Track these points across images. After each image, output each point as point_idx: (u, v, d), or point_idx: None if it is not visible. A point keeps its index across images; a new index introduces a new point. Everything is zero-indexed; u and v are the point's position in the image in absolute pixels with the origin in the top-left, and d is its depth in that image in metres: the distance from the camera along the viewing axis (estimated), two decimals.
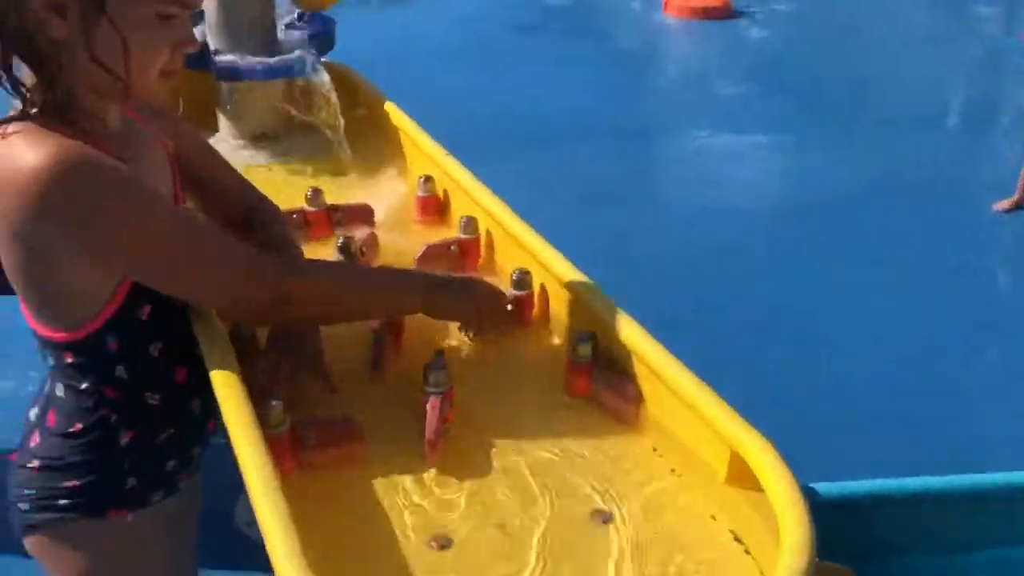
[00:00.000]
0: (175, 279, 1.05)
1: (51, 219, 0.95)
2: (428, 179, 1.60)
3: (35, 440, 1.15)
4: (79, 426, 1.12)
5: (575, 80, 5.75)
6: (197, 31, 1.84)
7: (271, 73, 1.76)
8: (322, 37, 1.91)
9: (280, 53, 1.83)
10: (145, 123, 1.16)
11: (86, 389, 1.10)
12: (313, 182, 1.77)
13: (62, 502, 1.13)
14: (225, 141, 1.90)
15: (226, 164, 1.33)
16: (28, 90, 0.98)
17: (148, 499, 1.18)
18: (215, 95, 1.88)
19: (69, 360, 1.08)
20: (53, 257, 0.99)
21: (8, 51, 0.96)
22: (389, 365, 1.19)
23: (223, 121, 1.91)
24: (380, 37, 6.50)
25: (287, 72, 1.76)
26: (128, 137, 1.10)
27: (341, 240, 1.37)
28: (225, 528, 2.09)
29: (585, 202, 4.08)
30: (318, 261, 1.32)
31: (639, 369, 1.10)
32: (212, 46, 1.84)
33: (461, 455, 1.06)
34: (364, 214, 1.57)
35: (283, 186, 1.78)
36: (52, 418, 1.13)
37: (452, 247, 1.44)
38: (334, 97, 1.77)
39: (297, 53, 1.79)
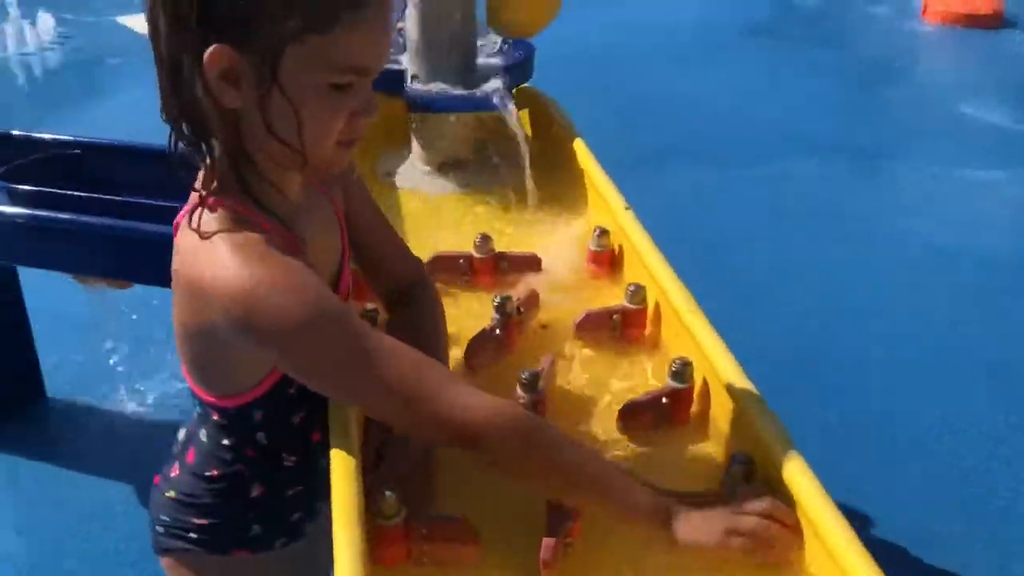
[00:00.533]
0: (365, 402, 1.00)
1: (251, 333, 0.93)
2: (603, 233, 1.51)
3: (175, 471, 1.20)
4: (215, 472, 1.15)
5: (806, 90, 5.41)
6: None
7: (463, 106, 1.73)
8: (521, 66, 1.86)
9: (476, 80, 1.80)
10: (318, 183, 1.13)
11: (227, 445, 1.13)
12: (491, 216, 1.74)
13: (191, 535, 1.18)
14: (413, 166, 1.90)
15: (392, 232, 1.29)
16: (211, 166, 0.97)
17: (271, 544, 1.20)
18: (409, 119, 1.87)
19: (215, 418, 1.11)
20: (225, 351, 1.00)
21: (194, 127, 0.94)
22: None
23: (414, 145, 1.90)
24: (606, 29, 6.43)
25: (479, 106, 1.72)
26: (308, 211, 1.08)
27: (498, 299, 1.31)
28: None
29: (793, 226, 3.81)
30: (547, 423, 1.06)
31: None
32: (410, 70, 1.83)
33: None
34: (531, 264, 1.51)
35: (462, 217, 1.76)
36: (192, 456, 1.17)
37: (615, 316, 1.34)
38: (521, 133, 1.71)
39: (492, 84, 1.74)
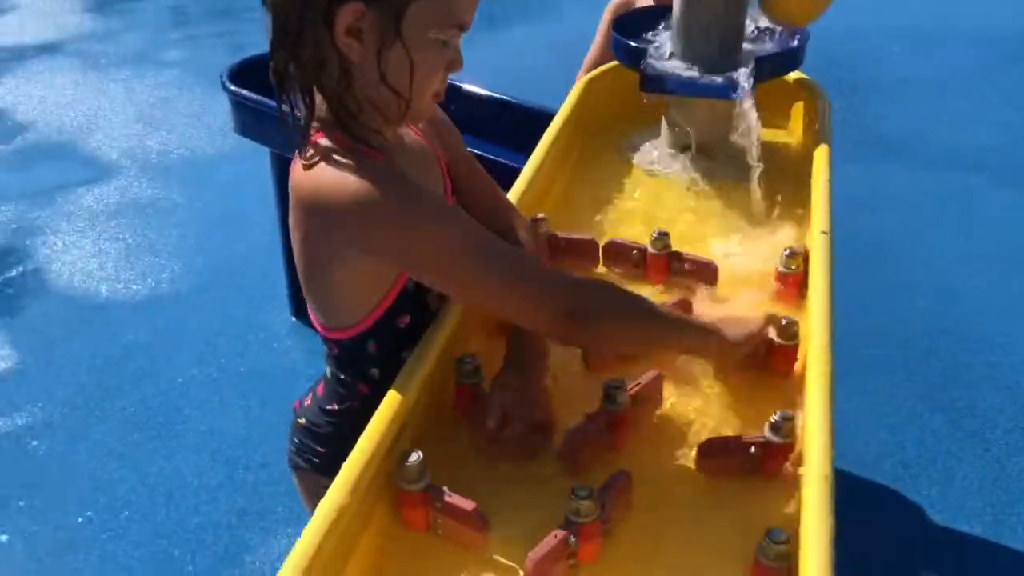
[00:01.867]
0: (463, 285, 1.09)
1: (354, 236, 1.04)
2: (793, 254, 1.38)
3: (308, 400, 1.35)
4: (334, 407, 1.28)
5: None
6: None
7: (693, 90, 1.65)
8: (789, 54, 1.72)
9: (733, 66, 1.69)
10: (418, 133, 1.24)
11: (344, 380, 1.25)
12: (706, 211, 1.66)
13: (313, 460, 1.32)
14: (656, 146, 1.85)
15: (488, 179, 1.35)
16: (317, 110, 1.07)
17: None
18: (666, 99, 1.82)
19: (336, 352, 1.23)
20: (341, 275, 1.10)
21: (307, 75, 1.05)
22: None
23: (663, 125, 1.85)
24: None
25: (712, 92, 1.63)
26: (404, 150, 1.17)
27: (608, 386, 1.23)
28: None
29: None
30: (616, 289, 1.16)
31: None
32: (669, 48, 1.78)
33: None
34: (707, 273, 1.42)
35: (675, 206, 1.70)
36: (320, 390, 1.32)
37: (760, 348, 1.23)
38: (754, 130, 1.59)
39: (740, 71, 1.64)
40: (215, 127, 4.65)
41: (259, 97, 2.62)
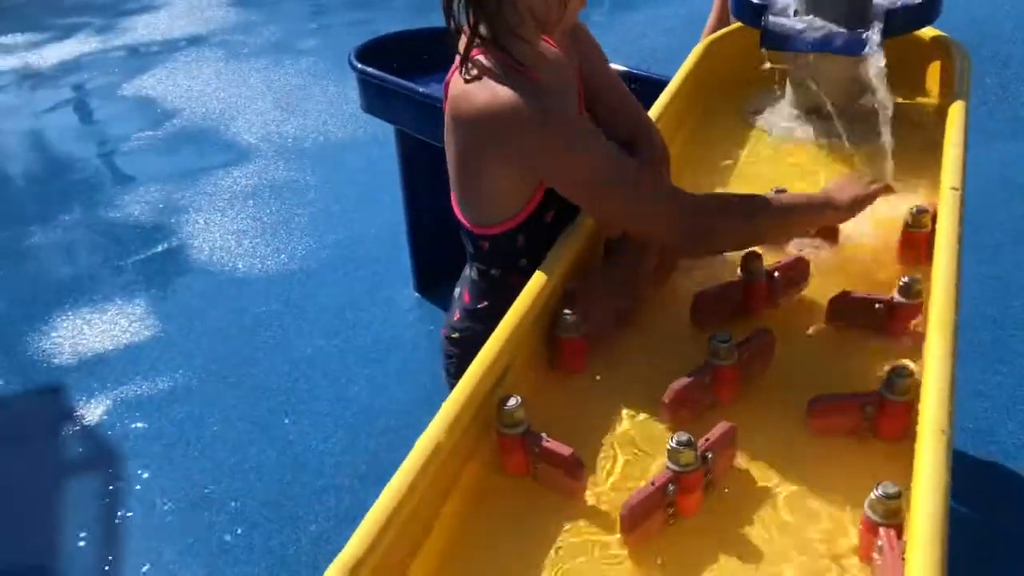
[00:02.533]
0: (595, 203, 1.23)
1: (505, 148, 1.18)
2: (921, 212, 1.31)
3: (456, 315, 1.42)
4: (486, 304, 1.36)
5: None
6: None
7: (819, 46, 1.57)
8: (912, 10, 1.62)
9: (862, 21, 1.61)
10: (559, 47, 1.31)
11: (494, 276, 1.34)
12: (827, 171, 1.59)
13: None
14: (782, 108, 1.79)
15: (627, 92, 1.40)
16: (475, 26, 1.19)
17: None
18: (790, 58, 1.75)
19: (485, 248, 1.31)
20: (495, 173, 1.22)
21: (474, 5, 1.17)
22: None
23: (788, 86, 1.78)
24: None
25: (838, 49, 1.56)
26: (548, 59, 1.26)
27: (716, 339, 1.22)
28: None
29: None
30: (733, 199, 1.31)
31: None
32: (794, 5, 1.71)
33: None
34: (829, 232, 1.37)
35: (802, 169, 1.63)
36: (467, 296, 1.39)
37: (878, 305, 1.18)
38: (883, 90, 1.51)
39: (871, 26, 1.56)
40: (347, 113, 4.79)
41: (384, 74, 2.68)
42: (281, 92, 5.24)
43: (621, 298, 1.24)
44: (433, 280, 3.20)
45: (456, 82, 1.20)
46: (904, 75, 1.73)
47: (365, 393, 2.78)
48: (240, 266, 3.54)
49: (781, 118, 1.77)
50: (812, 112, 1.74)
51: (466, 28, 1.20)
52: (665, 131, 1.61)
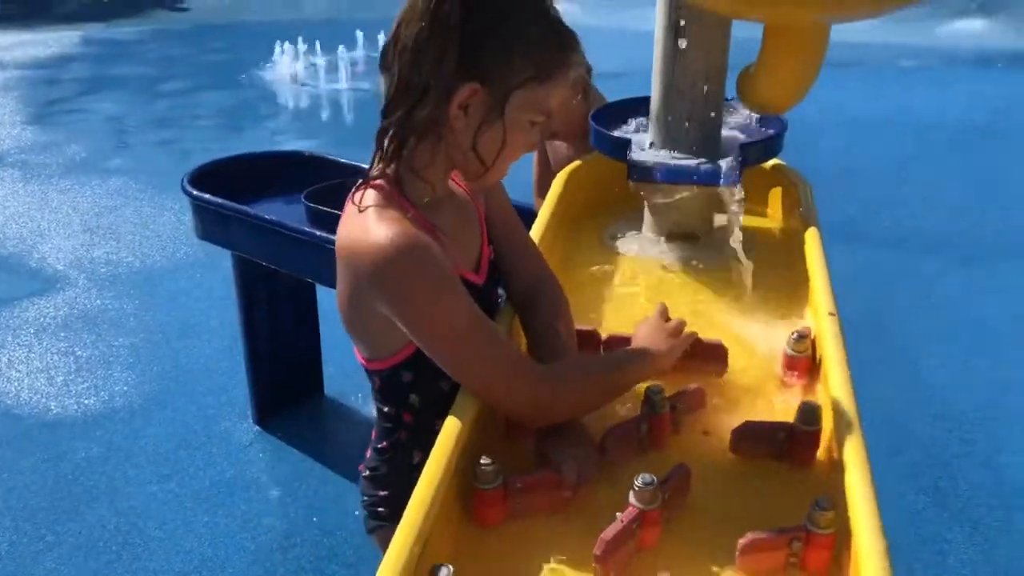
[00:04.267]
0: (453, 367, 1.18)
1: (379, 288, 1.13)
2: (801, 337, 1.36)
3: (368, 453, 1.39)
4: (384, 443, 1.33)
5: None
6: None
7: (683, 177, 1.65)
8: (762, 143, 1.74)
9: (715, 153, 1.71)
10: (465, 188, 1.31)
11: (388, 412, 1.31)
12: (697, 297, 1.65)
13: (380, 510, 1.36)
14: (640, 233, 1.85)
15: (525, 235, 1.42)
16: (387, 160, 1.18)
17: None
18: (641, 187, 1.82)
19: (378, 385, 1.29)
20: (370, 310, 1.18)
21: (411, 132, 1.16)
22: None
23: (646, 212, 1.85)
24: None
25: (701, 180, 1.64)
26: (448, 201, 1.26)
27: (650, 390, 1.23)
28: None
29: None
30: (569, 368, 1.27)
31: None
32: (650, 138, 1.79)
33: None
34: (715, 353, 1.39)
35: (665, 292, 1.68)
36: (374, 433, 1.36)
37: (780, 433, 1.20)
38: (738, 216, 1.60)
39: (725, 160, 1.65)
40: (164, 235, 4.56)
41: (223, 200, 2.58)
42: (89, 214, 4.94)
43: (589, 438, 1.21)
44: (274, 410, 3.04)
45: (348, 210, 1.19)
46: (749, 199, 1.85)
47: (207, 542, 2.56)
48: (53, 407, 3.22)
49: (641, 243, 1.82)
50: (672, 236, 1.81)
51: (378, 156, 1.19)
52: None
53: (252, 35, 6.81)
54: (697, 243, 1.80)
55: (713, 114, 1.74)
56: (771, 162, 1.88)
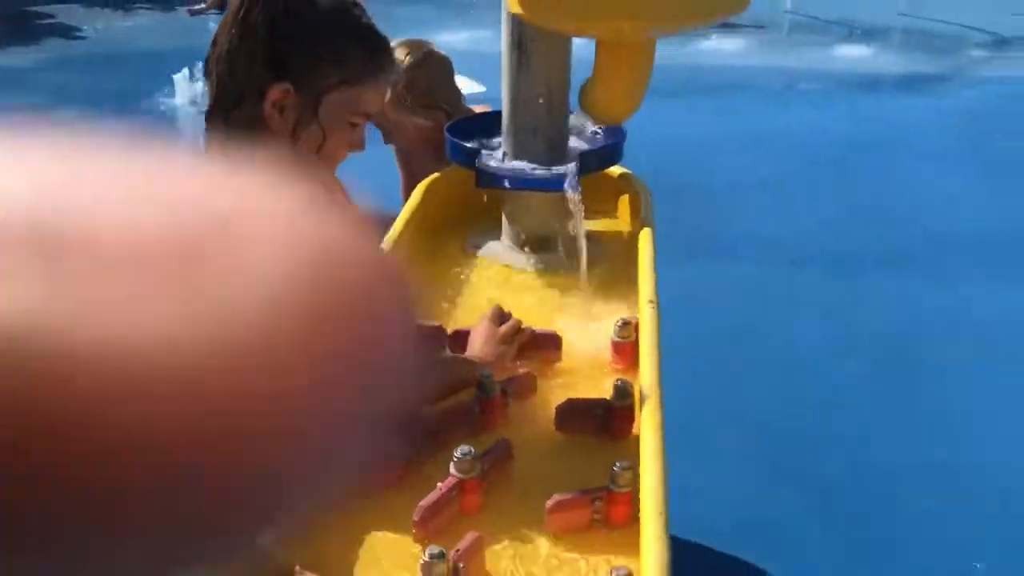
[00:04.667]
0: None
1: None
2: (625, 324, 1.49)
3: None
4: None
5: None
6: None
7: (528, 185, 1.77)
8: (601, 152, 1.88)
9: (564, 161, 1.83)
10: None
11: None
12: (544, 296, 1.76)
13: None
14: (498, 240, 1.95)
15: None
16: None
17: None
18: (500, 195, 1.93)
19: None
20: None
21: (233, 134, 1.24)
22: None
23: (503, 220, 1.96)
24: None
25: (544, 186, 1.76)
26: None
27: (482, 375, 1.33)
28: None
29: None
30: None
31: None
32: (503, 149, 1.90)
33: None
34: (551, 342, 1.51)
35: (516, 291, 1.79)
36: None
37: (599, 409, 1.31)
38: (579, 219, 1.72)
39: (568, 166, 1.77)
40: None
41: None
42: None
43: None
44: None
45: None
46: (605, 205, 1.98)
47: None
48: None
49: (497, 249, 1.93)
50: (529, 242, 1.92)
51: None
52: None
53: (150, 61, 6.72)
54: (550, 247, 1.91)
55: (558, 125, 1.86)
56: (619, 171, 2.01)
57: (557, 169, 1.76)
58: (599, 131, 1.92)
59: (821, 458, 2.97)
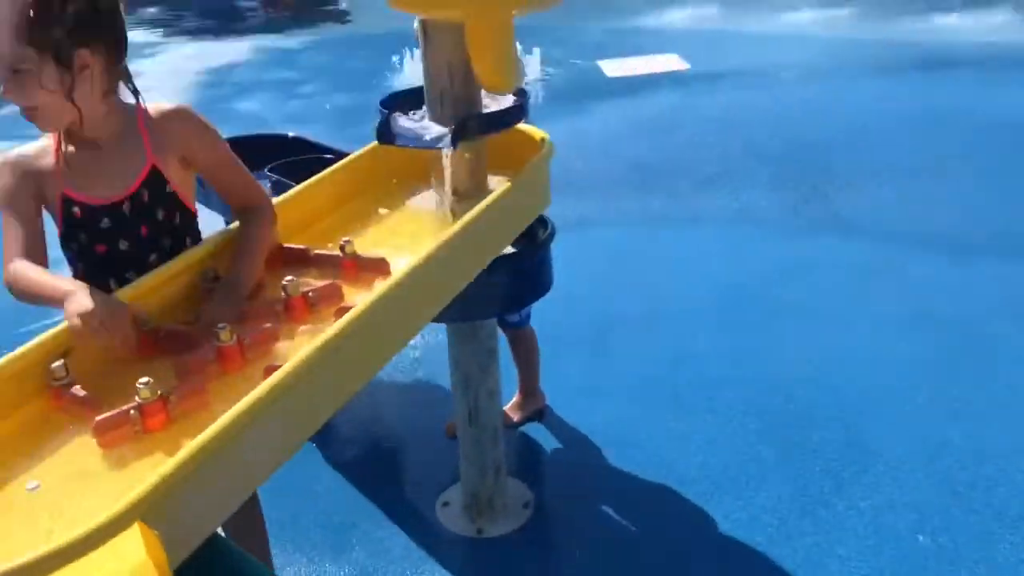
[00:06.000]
0: None
1: None
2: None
3: None
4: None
5: None
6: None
7: (411, 143, 2.14)
8: (513, 110, 2.20)
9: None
10: (147, 132, 1.81)
11: None
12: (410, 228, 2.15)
13: None
14: (431, 194, 2.33)
15: (238, 172, 1.94)
16: None
17: None
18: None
19: None
20: None
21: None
22: None
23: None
24: None
25: (425, 144, 2.12)
26: (93, 140, 1.79)
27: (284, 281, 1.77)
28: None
29: None
30: (21, 269, 1.70)
31: None
32: (421, 114, 2.28)
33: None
34: (379, 267, 1.91)
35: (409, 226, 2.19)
36: None
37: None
38: (448, 171, 2.08)
39: (446, 129, 2.12)
40: None
41: None
42: None
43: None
44: None
45: None
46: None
47: None
48: None
49: (425, 199, 2.32)
50: (453, 193, 2.28)
51: None
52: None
53: (398, 43, 7.56)
54: (461, 197, 2.27)
55: (462, 95, 2.20)
56: (537, 134, 2.32)
57: (436, 131, 2.11)
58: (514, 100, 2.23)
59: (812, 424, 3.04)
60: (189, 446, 1.26)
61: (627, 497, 2.81)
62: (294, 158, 3.26)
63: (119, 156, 1.81)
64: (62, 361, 1.54)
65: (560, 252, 2.62)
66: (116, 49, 1.73)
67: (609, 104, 6.99)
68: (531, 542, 2.67)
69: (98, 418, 1.44)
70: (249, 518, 2.16)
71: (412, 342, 3.65)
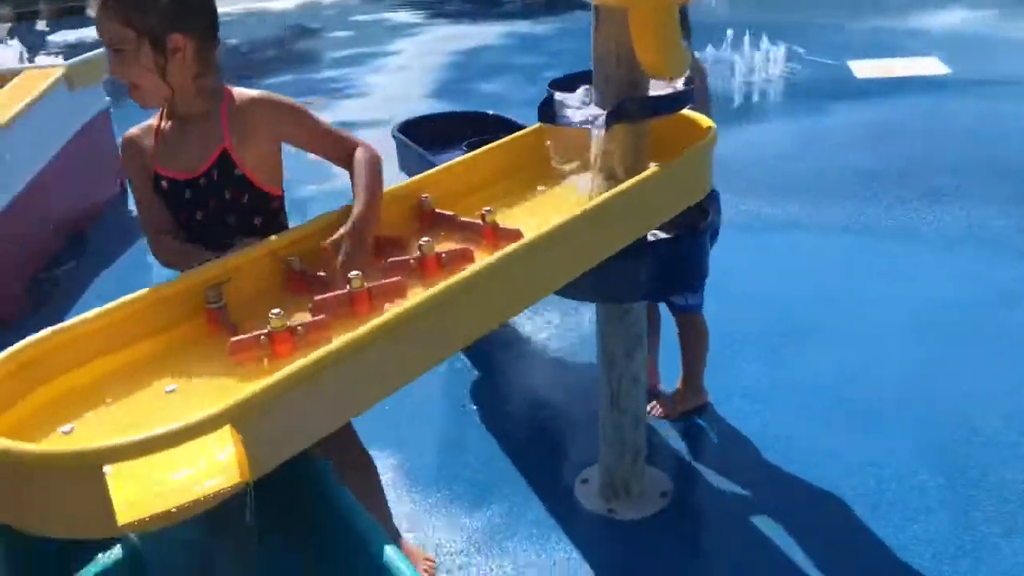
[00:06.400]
0: None
1: None
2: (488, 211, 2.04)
3: None
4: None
5: None
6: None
7: (567, 123, 2.20)
8: (673, 96, 2.22)
9: None
10: (227, 116, 1.96)
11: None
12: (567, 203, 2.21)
13: None
14: (587, 175, 2.39)
15: (327, 138, 2.06)
16: None
17: None
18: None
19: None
20: None
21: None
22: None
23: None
24: None
25: (578, 125, 2.18)
26: (182, 124, 1.99)
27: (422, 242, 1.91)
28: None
29: None
30: (174, 246, 2.01)
31: None
32: (591, 97, 2.34)
33: None
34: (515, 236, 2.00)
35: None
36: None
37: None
38: (595, 150, 2.13)
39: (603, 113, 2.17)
40: None
41: (403, 139, 3.52)
42: None
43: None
44: None
45: None
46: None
47: None
48: None
49: (582, 180, 2.38)
50: (606, 175, 2.34)
51: None
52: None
53: None
54: (616, 180, 2.31)
55: (627, 79, 2.24)
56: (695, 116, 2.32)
57: (590, 112, 2.17)
58: (680, 86, 2.24)
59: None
60: (279, 373, 1.43)
61: (770, 506, 2.73)
62: (489, 135, 3.43)
63: (199, 136, 1.97)
64: (217, 287, 1.77)
65: (758, 252, 2.59)
66: (207, 35, 1.93)
67: (852, 105, 6.64)
68: (663, 530, 2.68)
69: (233, 339, 1.65)
70: (365, 481, 2.25)
71: (584, 320, 3.73)
